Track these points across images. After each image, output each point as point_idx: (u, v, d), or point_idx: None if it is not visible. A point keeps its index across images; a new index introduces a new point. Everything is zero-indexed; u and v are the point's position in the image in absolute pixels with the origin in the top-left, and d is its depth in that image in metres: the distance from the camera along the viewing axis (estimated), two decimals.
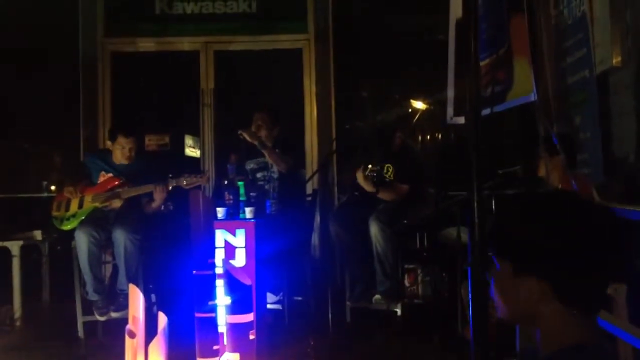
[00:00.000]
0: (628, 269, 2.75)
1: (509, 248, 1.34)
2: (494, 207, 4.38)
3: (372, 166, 4.87)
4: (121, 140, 4.87)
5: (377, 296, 4.82)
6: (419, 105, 6.16)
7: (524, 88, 3.62)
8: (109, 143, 5.01)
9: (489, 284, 1.39)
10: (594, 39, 4.18)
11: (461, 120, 4.70)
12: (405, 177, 4.98)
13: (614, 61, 4.04)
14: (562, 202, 1.34)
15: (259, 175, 5.20)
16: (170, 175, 4.75)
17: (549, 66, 4.30)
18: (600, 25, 4.13)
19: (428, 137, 6.64)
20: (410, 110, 6.15)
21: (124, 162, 4.92)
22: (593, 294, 1.29)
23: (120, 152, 4.90)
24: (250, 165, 5.21)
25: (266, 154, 5.04)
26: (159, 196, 4.75)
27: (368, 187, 4.86)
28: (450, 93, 4.36)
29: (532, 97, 3.47)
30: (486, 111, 3.21)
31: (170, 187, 4.76)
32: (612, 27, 4.03)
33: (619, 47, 4.02)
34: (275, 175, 5.14)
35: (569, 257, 1.26)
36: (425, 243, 5.35)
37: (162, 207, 5.11)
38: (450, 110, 4.36)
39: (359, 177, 4.87)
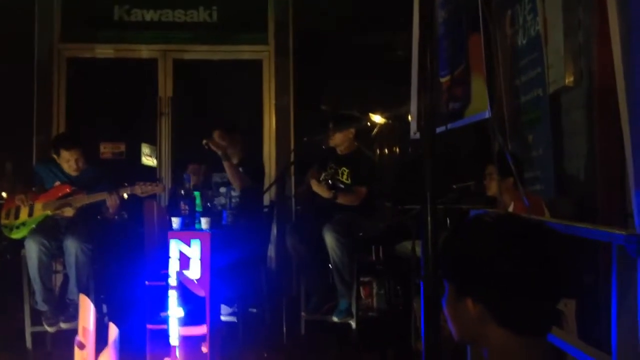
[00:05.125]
0: (577, 285, 2.80)
1: (449, 270, 1.36)
2: (448, 221, 4.44)
3: (325, 171, 4.90)
4: (64, 154, 4.78)
5: (335, 319, 4.80)
6: (377, 119, 6.21)
7: (480, 105, 3.68)
8: (55, 156, 4.91)
9: (441, 301, 1.40)
10: (547, 59, 4.28)
11: None
12: (361, 179, 5.00)
13: (567, 81, 4.14)
14: (496, 224, 1.33)
15: (221, 189, 5.18)
16: (125, 184, 4.68)
17: (504, 84, 4.38)
18: (554, 46, 4.23)
19: (386, 151, 6.70)
20: (368, 124, 6.19)
21: (73, 173, 4.84)
22: (534, 315, 1.28)
23: (67, 165, 4.81)
24: (215, 177, 5.20)
25: (226, 167, 5.02)
26: (112, 204, 4.67)
27: (325, 193, 4.87)
28: (413, 109, 4.40)
29: (487, 114, 3.53)
30: (441, 129, 3.25)
31: (125, 195, 4.69)
32: (565, 48, 4.13)
33: (572, 68, 4.13)
34: (235, 192, 5.13)
35: (500, 280, 1.26)
36: (381, 256, 5.38)
37: (116, 216, 5.03)
38: (413, 125, 4.41)
39: (314, 185, 4.88)
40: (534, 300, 1.27)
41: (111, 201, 4.66)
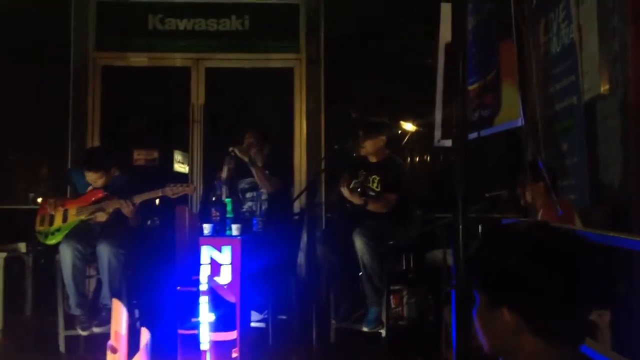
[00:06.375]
0: (611, 296, 2.76)
1: (482, 281, 1.35)
2: (480, 230, 4.40)
3: (356, 179, 4.91)
4: (88, 174, 4.85)
5: (365, 328, 4.77)
6: (408, 127, 6.18)
7: (511, 113, 3.64)
8: None
9: (472, 312, 1.39)
10: (582, 66, 4.23)
11: (448, 143, 4.73)
12: (391, 186, 4.99)
13: (602, 89, 4.08)
14: (528, 233, 1.33)
15: (248, 195, 5.21)
16: (159, 189, 4.73)
17: (537, 92, 4.34)
18: (589, 53, 4.17)
19: (417, 159, 6.66)
20: (399, 131, 6.17)
21: (98, 187, 4.89)
22: (568, 324, 1.27)
23: (91, 180, 4.87)
24: (241, 184, 5.23)
25: (254, 172, 5.05)
26: (126, 211, 4.71)
27: (356, 200, 4.88)
28: (439, 116, 4.38)
29: (519, 122, 3.49)
30: (473, 135, 3.23)
31: (157, 201, 4.74)
32: (600, 55, 4.07)
33: (607, 75, 4.06)
34: (264, 197, 5.15)
35: (536, 289, 1.25)
36: (411, 264, 5.34)
37: (149, 222, 5.08)
38: (438, 133, 4.39)
39: (345, 192, 4.89)
40: (567, 310, 1.26)
41: (124, 208, 4.70)
